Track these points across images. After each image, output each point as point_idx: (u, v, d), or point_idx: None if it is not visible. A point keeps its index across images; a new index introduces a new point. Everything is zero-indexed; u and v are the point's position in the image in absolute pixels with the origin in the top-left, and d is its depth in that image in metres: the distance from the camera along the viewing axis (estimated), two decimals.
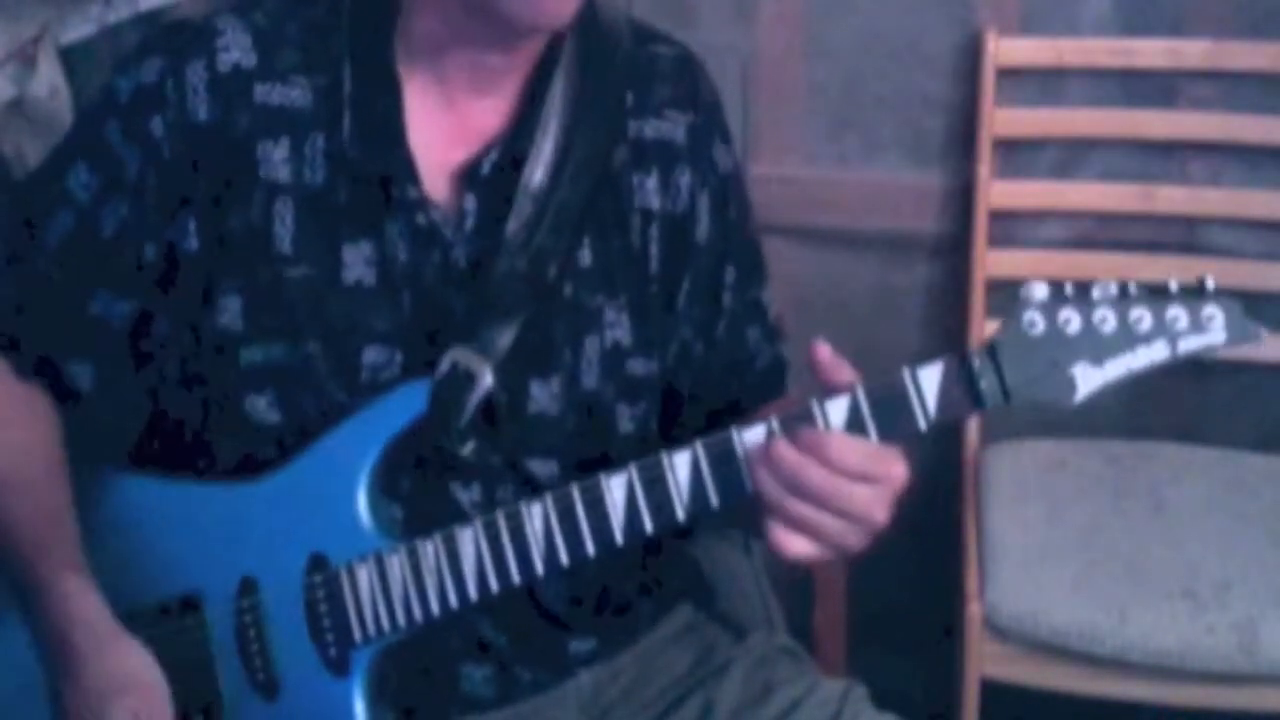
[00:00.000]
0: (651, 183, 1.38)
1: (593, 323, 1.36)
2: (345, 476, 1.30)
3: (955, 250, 2.19)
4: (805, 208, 2.21)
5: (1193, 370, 2.19)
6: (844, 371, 1.20)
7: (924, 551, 2.22)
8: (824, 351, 1.20)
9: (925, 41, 2.15)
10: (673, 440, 1.42)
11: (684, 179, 1.39)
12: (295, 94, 1.31)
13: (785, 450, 1.17)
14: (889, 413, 1.18)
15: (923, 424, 1.18)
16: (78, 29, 2.00)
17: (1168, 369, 1.17)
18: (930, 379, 1.17)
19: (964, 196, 2.15)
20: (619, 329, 1.37)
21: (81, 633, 1.30)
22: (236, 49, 1.31)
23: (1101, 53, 2.10)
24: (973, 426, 2.15)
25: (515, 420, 1.34)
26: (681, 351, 1.42)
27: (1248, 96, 2.10)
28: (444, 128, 1.32)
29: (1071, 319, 1.15)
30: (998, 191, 2.13)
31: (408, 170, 1.30)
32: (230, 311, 1.32)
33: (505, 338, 1.30)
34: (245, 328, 1.32)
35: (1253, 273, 2.11)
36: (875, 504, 1.18)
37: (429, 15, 1.30)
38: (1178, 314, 1.14)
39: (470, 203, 1.32)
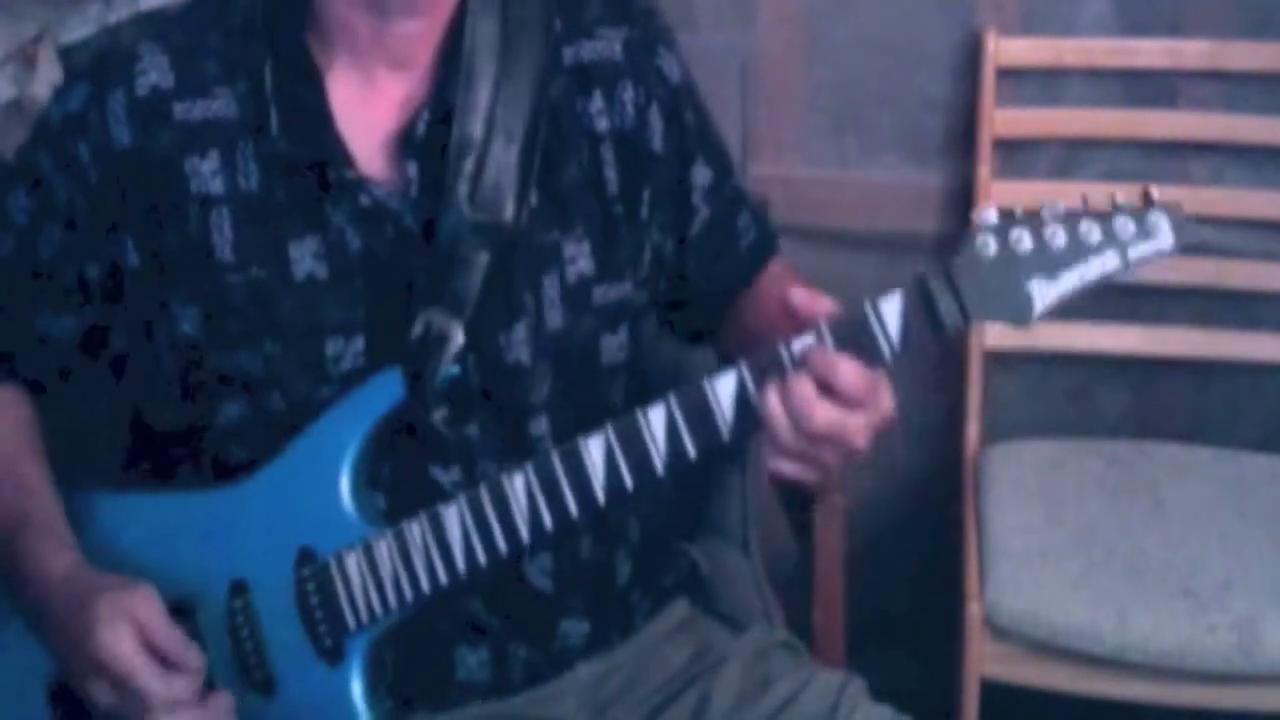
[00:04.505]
0: (596, 105, 1.37)
1: (551, 261, 1.36)
2: (328, 470, 1.31)
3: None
4: (805, 208, 2.20)
5: (1193, 370, 2.20)
6: (822, 304, 1.21)
7: (924, 551, 2.22)
8: (798, 295, 1.21)
9: (925, 41, 2.15)
10: (686, 336, 1.49)
11: (627, 94, 1.38)
12: (217, 105, 1.33)
13: (804, 388, 1.17)
14: (855, 346, 1.18)
15: (888, 353, 1.19)
16: (78, 29, 2.00)
17: (1120, 284, 1.17)
18: (891, 308, 1.19)
19: (964, 196, 2.15)
20: (580, 260, 1.37)
21: (64, 589, 1.29)
22: (154, 71, 1.34)
23: (1101, 53, 2.10)
24: (973, 427, 2.15)
25: (494, 375, 1.34)
26: (654, 257, 1.43)
27: (1248, 96, 2.10)
28: (372, 106, 1.33)
29: (1023, 238, 1.16)
30: (998, 191, 2.12)
31: (340, 153, 1.31)
32: (190, 319, 1.34)
33: (471, 291, 1.31)
34: (206, 335, 1.33)
35: (1253, 273, 2.11)
36: (863, 433, 1.19)
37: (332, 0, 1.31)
38: (1125, 222, 1.15)
39: (412, 169, 1.33)
